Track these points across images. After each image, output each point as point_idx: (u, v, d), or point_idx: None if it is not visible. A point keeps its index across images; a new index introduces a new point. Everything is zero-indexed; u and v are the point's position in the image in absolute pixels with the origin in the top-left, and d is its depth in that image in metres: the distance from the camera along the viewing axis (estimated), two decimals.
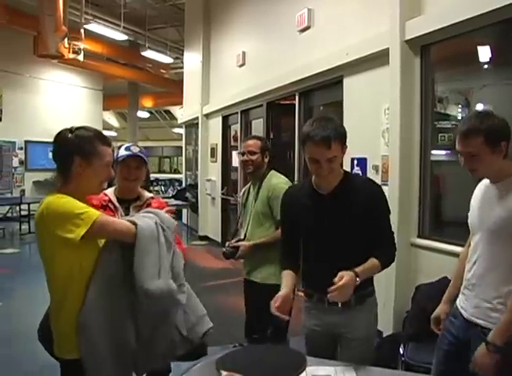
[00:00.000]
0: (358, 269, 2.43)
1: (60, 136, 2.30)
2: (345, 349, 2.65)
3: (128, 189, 3.10)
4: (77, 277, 2.16)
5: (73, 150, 2.24)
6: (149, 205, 3.06)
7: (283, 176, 3.90)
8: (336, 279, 2.34)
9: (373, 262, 2.54)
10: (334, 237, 2.61)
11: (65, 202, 2.15)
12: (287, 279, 2.70)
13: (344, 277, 2.34)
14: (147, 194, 3.20)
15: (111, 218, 2.33)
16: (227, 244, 3.82)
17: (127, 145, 3.14)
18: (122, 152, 3.06)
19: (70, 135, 2.28)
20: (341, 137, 2.51)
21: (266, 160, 3.84)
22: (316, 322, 2.69)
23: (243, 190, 4.24)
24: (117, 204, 3.06)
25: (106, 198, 3.04)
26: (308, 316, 2.77)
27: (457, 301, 2.56)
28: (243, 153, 3.84)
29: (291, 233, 2.81)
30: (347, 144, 2.55)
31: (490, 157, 2.25)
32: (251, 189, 3.98)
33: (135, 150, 3.07)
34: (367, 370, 2.31)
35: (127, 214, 3.00)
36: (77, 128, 2.33)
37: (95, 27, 13.61)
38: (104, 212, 2.77)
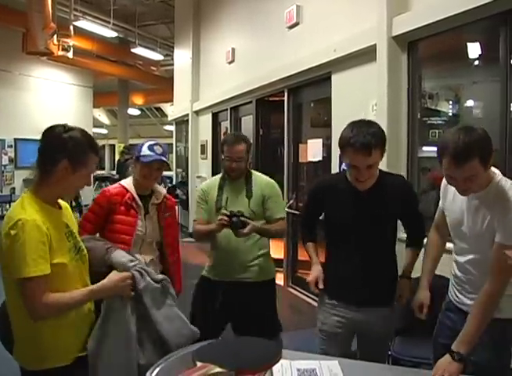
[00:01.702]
0: (407, 271, 2.84)
1: (53, 133, 2.19)
2: (364, 346, 2.72)
3: (145, 186, 3.19)
4: None
5: (64, 153, 2.13)
6: (165, 204, 3.25)
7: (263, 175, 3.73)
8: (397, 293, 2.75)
9: (411, 254, 2.87)
10: (371, 234, 2.68)
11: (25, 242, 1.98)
12: (315, 252, 2.92)
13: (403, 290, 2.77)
14: (162, 190, 3.32)
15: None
16: (233, 213, 3.29)
17: (150, 143, 3.15)
18: (146, 151, 3.09)
19: (64, 135, 2.16)
20: (382, 143, 2.56)
21: (250, 159, 3.61)
22: (339, 319, 2.74)
23: (207, 184, 3.73)
24: (140, 203, 3.13)
25: (129, 195, 3.12)
26: (328, 313, 2.79)
27: (450, 296, 2.58)
28: (229, 160, 3.45)
29: (314, 220, 3.00)
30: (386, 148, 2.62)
31: (483, 175, 2.18)
32: (226, 186, 3.58)
33: (159, 151, 3.11)
34: (353, 364, 2.33)
35: (146, 213, 3.13)
36: (72, 129, 2.20)
37: (84, 23, 13.49)
38: (128, 213, 3.07)
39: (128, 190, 3.13)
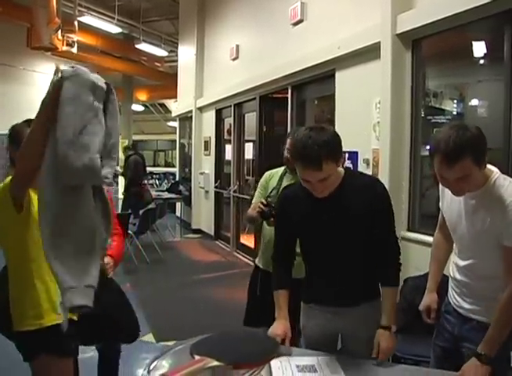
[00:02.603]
0: (386, 320, 2.40)
1: (16, 128, 2.51)
2: (347, 347, 2.63)
3: None
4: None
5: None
6: None
7: None
8: (375, 346, 2.33)
9: (388, 295, 2.46)
10: (338, 237, 2.47)
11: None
12: (284, 304, 2.54)
13: (381, 342, 2.34)
14: None
15: None
16: (269, 203, 3.34)
17: None
18: None
19: (27, 129, 2.22)
20: (334, 154, 2.23)
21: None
22: (318, 322, 2.60)
23: (271, 172, 3.79)
24: None
25: None
26: (309, 316, 2.67)
27: (449, 298, 2.54)
28: (288, 151, 3.49)
29: (288, 240, 2.67)
30: (343, 154, 2.37)
31: (477, 174, 2.09)
32: (286, 177, 3.61)
33: None
34: (351, 361, 2.32)
35: None
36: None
37: (88, 19, 13.51)
38: None
39: None
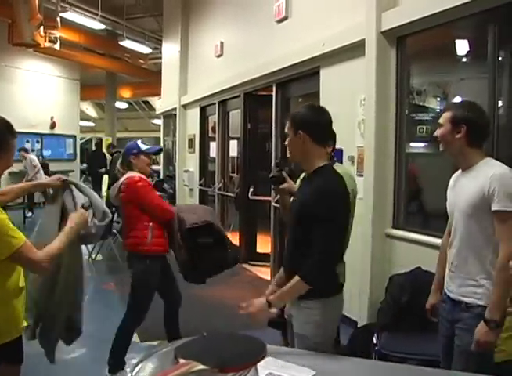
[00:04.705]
0: (272, 297, 2.43)
1: None
2: (292, 337, 2.71)
3: (148, 172, 4.23)
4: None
5: None
6: None
7: None
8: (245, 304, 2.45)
9: (293, 281, 2.42)
10: (290, 233, 2.67)
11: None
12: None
13: (252, 305, 2.43)
14: None
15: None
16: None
17: (141, 140, 4.36)
18: (144, 146, 4.19)
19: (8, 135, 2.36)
20: (296, 122, 2.56)
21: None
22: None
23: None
24: None
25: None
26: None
27: (444, 286, 2.65)
28: None
29: None
30: (302, 132, 2.50)
31: (451, 135, 2.50)
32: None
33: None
34: (338, 359, 2.32)
35: None
36: None
37: (71, 15, 13.34)
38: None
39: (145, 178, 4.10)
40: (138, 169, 4.10)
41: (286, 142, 2.63)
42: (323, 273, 2.43)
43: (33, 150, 15.24)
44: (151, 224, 3.97)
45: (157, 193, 4.25)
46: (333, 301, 2.55)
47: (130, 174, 4.05)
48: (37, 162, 12.99)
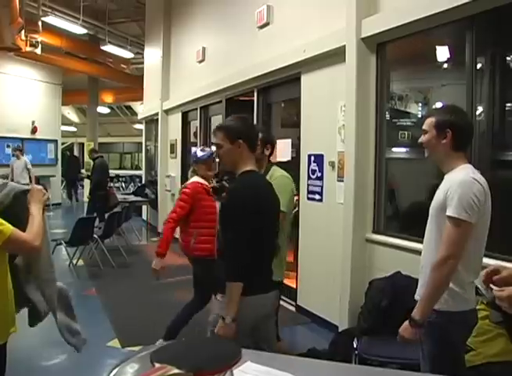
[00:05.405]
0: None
1: None
2: None
3: (209, 177, 4.54)
4: None
5: None
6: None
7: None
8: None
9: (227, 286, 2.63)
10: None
11: None
12: None
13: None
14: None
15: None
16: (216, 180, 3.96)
17: (198, 148, 4.73)
18: (201, 153, 4.52)
19: None
20: (225, 130, 2.78)
21: (267, 152, 3.93)
22: None
23: None
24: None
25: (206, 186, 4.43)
26: None
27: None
28: None
29: None
30: (240, 140, 2.71)
31: (436, 141, 2.51)
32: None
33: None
34: (318, 363, 2.32)
35: None
36: None
37: (53, 19, 13.25)
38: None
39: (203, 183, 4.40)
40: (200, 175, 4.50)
41: (219, 152, 2.82)
42: (236, 273, 2.59)
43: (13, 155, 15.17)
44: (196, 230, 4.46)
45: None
46: (250, 300, 2.64)
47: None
48: (30, 166, 13.57)
